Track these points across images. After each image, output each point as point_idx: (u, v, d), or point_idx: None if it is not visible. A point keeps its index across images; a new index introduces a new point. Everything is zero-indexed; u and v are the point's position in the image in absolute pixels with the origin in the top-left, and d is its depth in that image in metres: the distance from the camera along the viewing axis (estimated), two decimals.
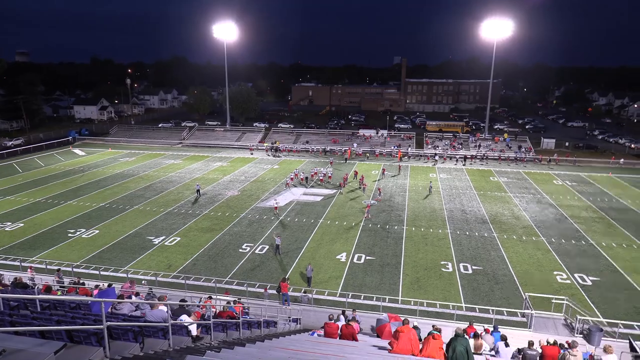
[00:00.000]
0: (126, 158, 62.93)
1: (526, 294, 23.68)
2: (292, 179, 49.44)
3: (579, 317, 20.48)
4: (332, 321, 14.23)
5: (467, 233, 33.71)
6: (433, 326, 12.75)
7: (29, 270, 24.84)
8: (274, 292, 23.70)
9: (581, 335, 19.50)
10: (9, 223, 35.11)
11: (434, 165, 60.30)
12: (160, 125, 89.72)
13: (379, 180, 51.09)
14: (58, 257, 28.79)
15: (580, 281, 26.07)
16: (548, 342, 13.05)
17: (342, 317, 16.58)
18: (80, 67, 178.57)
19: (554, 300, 22.83)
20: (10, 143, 69.56)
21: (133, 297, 13.57)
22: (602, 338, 18.60)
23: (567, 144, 71.82)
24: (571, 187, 48.25)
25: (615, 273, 27.16)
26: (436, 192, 45.66)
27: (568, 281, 26.06)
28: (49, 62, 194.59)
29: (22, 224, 34.86)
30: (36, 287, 16.40)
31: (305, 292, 23.99)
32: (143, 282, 24.26)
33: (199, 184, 45.30)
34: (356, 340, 12.95)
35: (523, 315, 22.01)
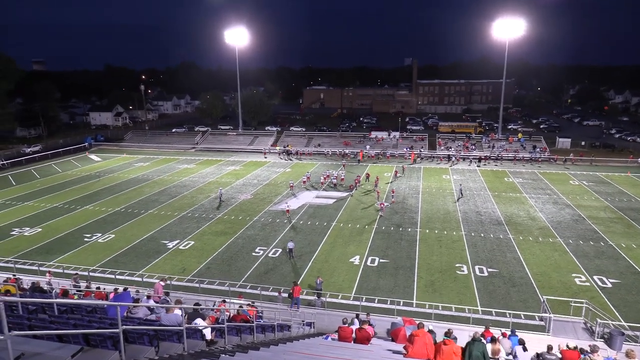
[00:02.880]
0: (141, 163, 63.73)
1: (544, 296, 23.20)
2: (304, 182, 49.56)
3: (599, 320, 19.98)
4: (346, 325, 14.12)
5: (482, 235, 33.31)
6: (445, 333, 12.56)
7: (47, 274, 25.26)
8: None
9: (602, 340, 19.02)
10: (27, 228, 35.78)
11: (450, 166, 59.85)
12: (173, 130, 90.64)
13: (391, 182, 50.84)
14: (75, 261, 29.20)
15: (599, 283, 25.48)
16: (568, 347, 12.74)
17: (356, 320, 16.45)
18: (94, 74, 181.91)
19: (572, 303, 22.32)
20: (29, 150, 71.07)
21: (152, 301, 13.65)
22: (624, 342, 18.11)
23: (583, 143, 70.52)
24: (588, 187, 47.33)
25: (636, 275, 26.47)
26: (449, 193, 45.28)
27: (587, 283, 25.49)
28: (65, 70, 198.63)
29: (40, 229, 35.50)
30: (54, 291, 16.64)
31: (318, 296, 23.89)
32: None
33: (221, 187, 45.85)
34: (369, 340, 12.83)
35: (541, 318, 21.56)
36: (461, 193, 44.02)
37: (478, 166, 59.88)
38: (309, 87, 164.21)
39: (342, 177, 51.14)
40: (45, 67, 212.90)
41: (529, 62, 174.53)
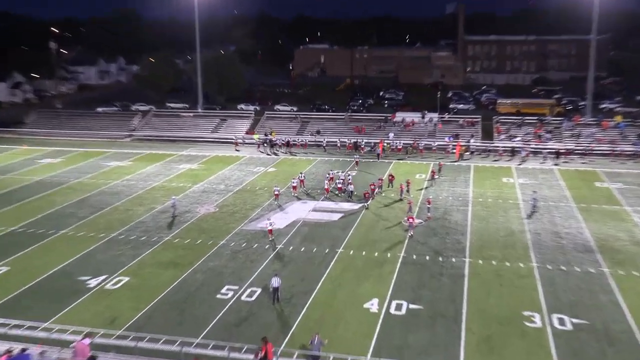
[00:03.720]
0: (49, 159, 63.62)
1: None
2: (295, 187, 49.56)
3: None
4: None
5: (563, 267, 33.19)
6: None
7: None
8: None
9: None
10: None
11: (517, 164, 59.93)
12: (100, 109, 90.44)
13: (426, 188, 50.82)
14: None
15: None
16: None
17: None
18: None
19: None
20: None
21: None
22: None
23: None
24: None
25: None
26: (513, 205, 45.35)
27: None
28: None
29: None
30: None
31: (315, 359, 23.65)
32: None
33: (174, 196, 45.65)
34: None
35: None
36: (534, 205, 44.01)
37: (556, 164, 59.90)
38: (304, 45, 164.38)
39: (350, 179, 51.02)
40: None
41: (632, 10, 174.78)
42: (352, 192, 48.43)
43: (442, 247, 36.51)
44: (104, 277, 32.33)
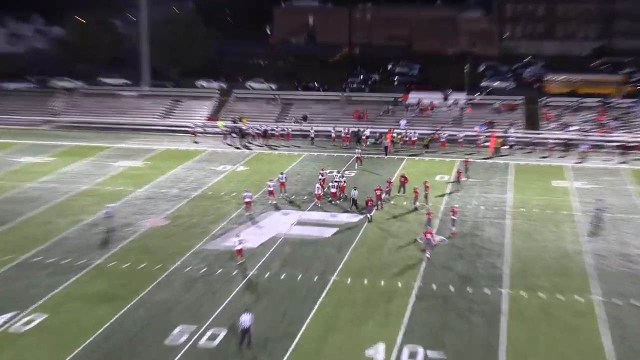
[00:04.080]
0: None
1: None
2: (271, 192, 49.45)
3: None
4: None
5: (636, 303, 32.80)
6: None
7: None
8: None
9: None
10: None
11: (575, 163, 60.25)
12: (9, 85, 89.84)
13: (450, 193, 50.83)
14: None
15: None
16: None
17: None
18: None
19: None
20: None
21: None
22: None
23: None
24: None
25: None
26: (567, 218, 45.40)
27: None
28: None
29: None
30: None
31: None
32: None
33: (109, 205, 45.14)
34: None
35: None
36: (597, 218, 44.00)
37: (624, 162, 60.13)
38: (287, 2, 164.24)
39: (344, 184, 51.04)
40: None
41: None
42: (356, 200, 47.91)
43: (472, 274, 36.13)
44: (10, 314, 31.55)
